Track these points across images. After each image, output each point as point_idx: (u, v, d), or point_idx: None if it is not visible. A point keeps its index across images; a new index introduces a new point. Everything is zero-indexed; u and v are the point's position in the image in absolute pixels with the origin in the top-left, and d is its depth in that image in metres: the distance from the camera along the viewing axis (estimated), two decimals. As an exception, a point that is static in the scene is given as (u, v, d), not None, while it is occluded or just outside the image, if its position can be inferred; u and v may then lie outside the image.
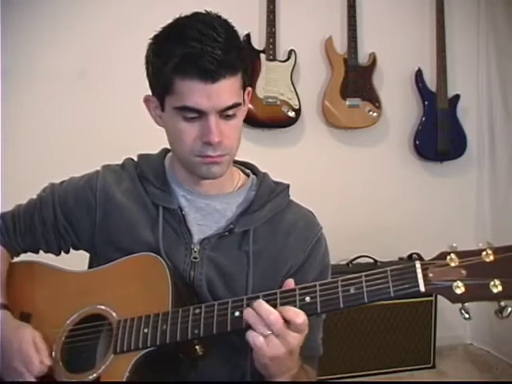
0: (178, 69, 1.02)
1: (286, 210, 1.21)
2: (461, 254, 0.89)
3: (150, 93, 1.15)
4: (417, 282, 0.90)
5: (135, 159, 1.27)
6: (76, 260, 1.27)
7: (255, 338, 0.94)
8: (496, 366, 3.10)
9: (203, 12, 1.07)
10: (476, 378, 2.96)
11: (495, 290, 0.86)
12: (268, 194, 1.20)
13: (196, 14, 1.06)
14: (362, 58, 3.13)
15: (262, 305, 0.95)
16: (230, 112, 1.07)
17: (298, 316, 0.94)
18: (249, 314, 0.95)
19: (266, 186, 1.22)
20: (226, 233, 1.16)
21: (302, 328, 0.94)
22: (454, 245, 0.91)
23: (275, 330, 0.93)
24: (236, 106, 1.07)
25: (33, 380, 1.08)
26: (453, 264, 0.89)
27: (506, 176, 3.22)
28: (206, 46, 1.00)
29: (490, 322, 3.04)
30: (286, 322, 0.94)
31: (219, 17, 1.07)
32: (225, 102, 1.05)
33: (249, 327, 0.95)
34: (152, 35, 1.10)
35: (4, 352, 1.10)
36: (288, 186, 1.25)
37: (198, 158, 1.09)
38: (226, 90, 1.04)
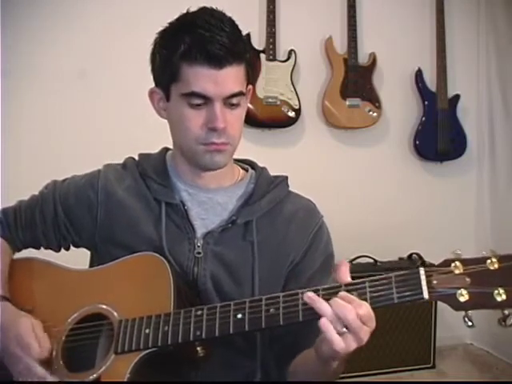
0: (186, 55, 1.05)
1: (286, 200, 1.22)
2: (465, 262, 0.89)
3: (151, 92, 1.16)
4: (421, 289, 0.89)
5: (136, 158, 1.28)
6: (77, 257, 1.27)
7: (335, 337, 0.89)
8: (496, 365, 3.10)
9: (209, 7, 1.10)
10: (476, 378, 2.96)
11: (499, 299, 0.86)
12: (267, 186, 1.22)
13: (202, 8, 1.10)
14: (362, 58, 3.13)
15: (339, 303, 0.90)
16: (235, 100, 1.09)
17: (366, 308, 0.90)
18: (326, 309, 0.91)
19: (264, 179, 1.23)
20: (229, 225, 1.16)
21: (365, 319, 0.90)
22: (459, 252, 0.90)
23: (352, 327, 0.89)
24: (240, 94, 1.10)
25: (33, 362, 1.06)
26: (457, 271, 0.88)
27: (506, 176, 3.22)
28: (214, 34, 1.04)
29: (490, 322, 3.03)
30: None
31: (224, 13, 1.10)
32: (231, 89, 1.07)
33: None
34: (159, 30, 1.12)
35: (3, 340, 1.09)
36: (287, 178, 1.26)
37: (202, 146, 1.10)
38: (232, 77, 1.07)
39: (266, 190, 1.21)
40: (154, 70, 1.14)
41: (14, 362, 1.08)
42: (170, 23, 1.12)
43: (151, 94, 1.17)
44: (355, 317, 0.89)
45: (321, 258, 1.19)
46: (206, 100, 1.07)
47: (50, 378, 1.06)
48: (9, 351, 1.08)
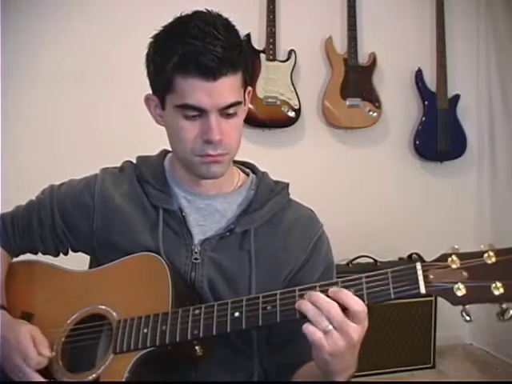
0: (178, 66, 1.02)
1: (286, 208, 1.21)
2: (462, 256, 0.88)
3: (150, 93, 1.15)
4: (417, 283, 0.89)
5: (134, 161, 1.27)
6: (77, 260, 1.27)
7: (314, 333, 0.88)
8: (496, 366, 3.10)
9: (204, 11, 1.07)
10: (476, 378, 2.95)
11: (497, 293, 0.85)
12: (268, 193, 1.20)
13: (197, 13, 1.06)
14: (362, 58, 3.13)
15: (321, 297, 0.90)
16: (231, 110, 1.06)
17: (357, 303, 0.89)
18: (307, 307, 0.90)
19: (265, 185, 1.22)
20: (227, 233, 1.16)
21: (362, 316, 0.89)
22: (456, 246, 0.90)
23: (336, 323, 0.88)
24: (237, 104, 1.07)
25: (32, 373, 1.07)
26: (454, 266, 0.88)
27: (506, 176, 3.22)
28: (207, 44, 1.00)
29: (490, 322, 3.03)
30: (345, 310, 0.89)
31: (220, 15, 1.07)
32: (226, 100, 1.04)
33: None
34: (153, 34, 1.09)
35: (4, 349, 1.10)
36: (288, 185, 1.24)
37: (198, 158, 1.09)
38: (227, 87, 1.04)
39: (267, 198, 1.19)
40: (149, 76, 1.12)
41: (14, 371, 1.09)
42: (164, 27, 1.08)
43: (147, 100, 1.15)
44: (338, 313, 0.88)
45: (321, 268, 1.18)
46: (201, 112, 1.04)
47: None
48: (10, 360, 1.09)
